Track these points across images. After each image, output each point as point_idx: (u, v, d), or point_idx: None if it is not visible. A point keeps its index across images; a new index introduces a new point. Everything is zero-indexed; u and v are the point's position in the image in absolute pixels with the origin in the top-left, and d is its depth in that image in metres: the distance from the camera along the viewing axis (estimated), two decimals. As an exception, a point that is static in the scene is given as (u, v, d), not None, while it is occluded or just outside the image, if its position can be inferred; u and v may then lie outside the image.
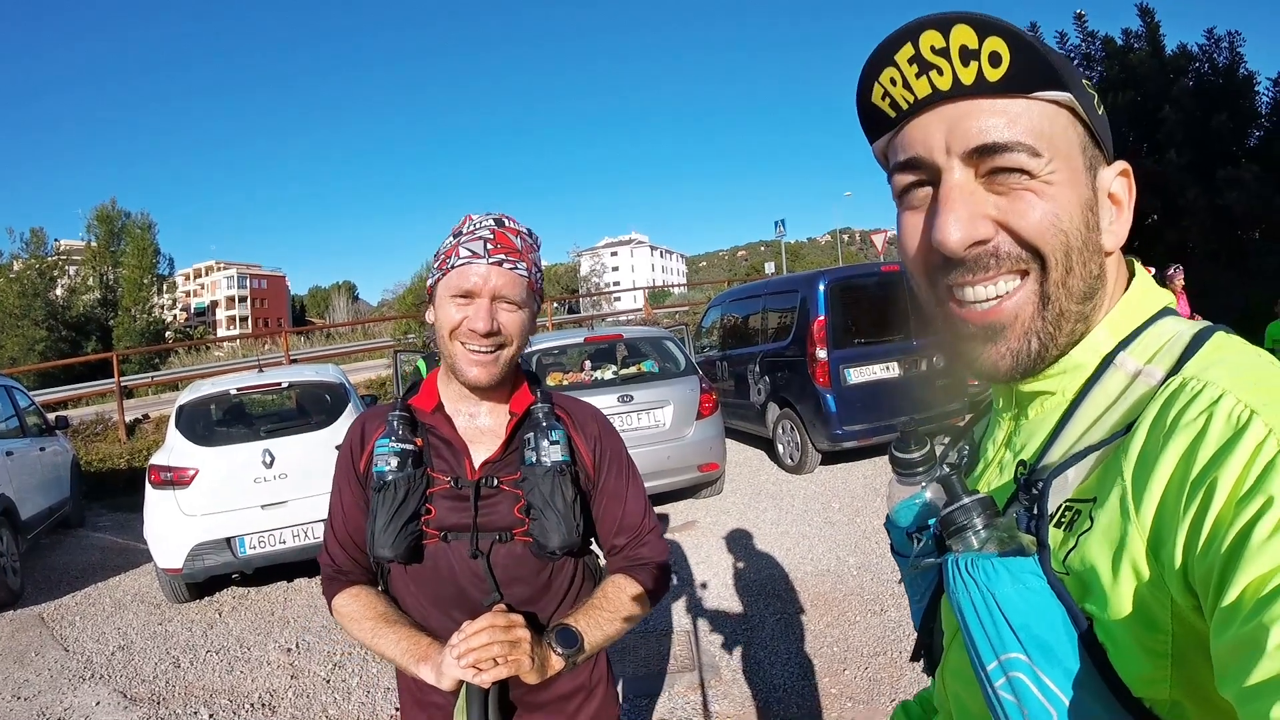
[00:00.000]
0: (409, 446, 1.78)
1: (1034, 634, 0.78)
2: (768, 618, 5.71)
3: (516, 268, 1.73)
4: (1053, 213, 0.83)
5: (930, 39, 0.83)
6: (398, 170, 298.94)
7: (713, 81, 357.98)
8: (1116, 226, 0.90)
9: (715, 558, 7.15)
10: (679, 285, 68.11)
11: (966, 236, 0.84)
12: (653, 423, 8.57)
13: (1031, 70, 0.81)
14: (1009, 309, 0.87)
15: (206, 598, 7.32)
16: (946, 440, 1.20)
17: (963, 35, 0.81)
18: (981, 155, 0.83)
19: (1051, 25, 22.18)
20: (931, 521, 1.03)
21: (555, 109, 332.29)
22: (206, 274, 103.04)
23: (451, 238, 1.76)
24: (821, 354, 9.65)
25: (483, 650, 1.53)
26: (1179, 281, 10.48)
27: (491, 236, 1.72)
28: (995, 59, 0.81)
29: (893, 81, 0.87)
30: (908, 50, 0.85)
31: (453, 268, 1.71)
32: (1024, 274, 0.85)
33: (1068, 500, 0.84)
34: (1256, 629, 0.60)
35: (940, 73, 0.83)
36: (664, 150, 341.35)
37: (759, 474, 10.50)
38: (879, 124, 0.93)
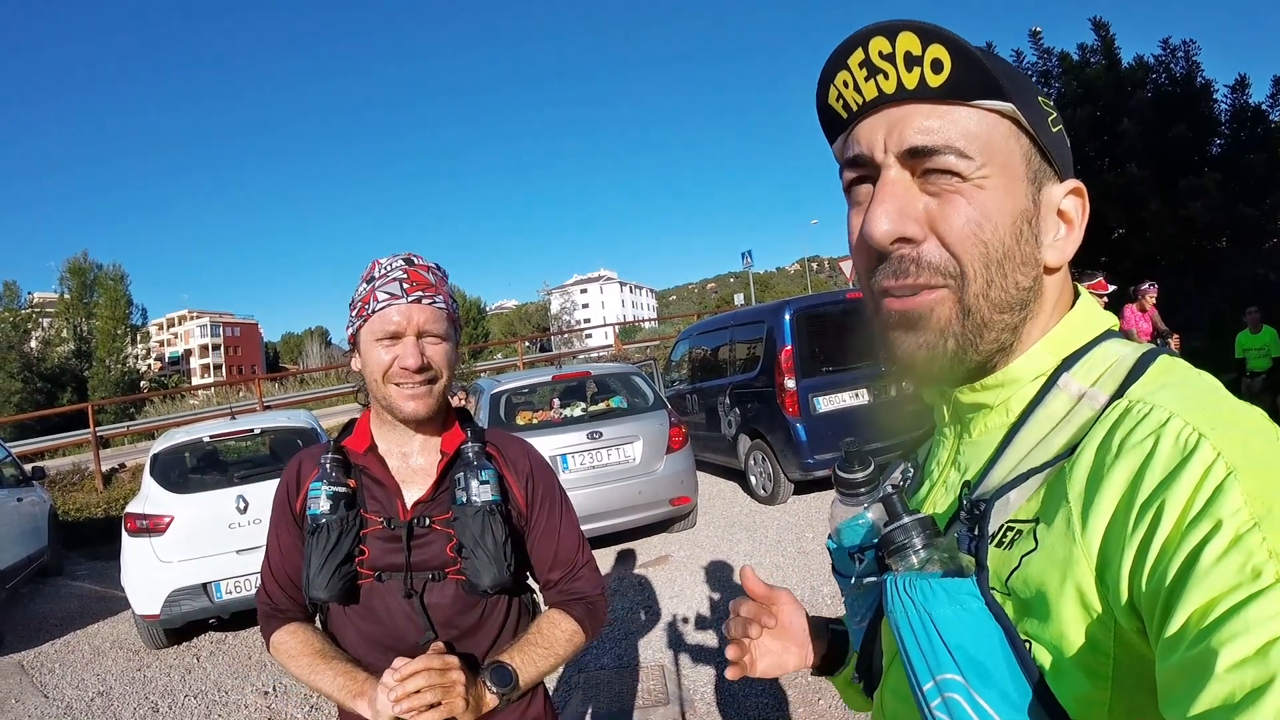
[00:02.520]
0: (341, 489, 1.80)
1: (970, 655, 0.78)
2: (742, 649, 5.72)
3: (435, 302, 1.77)
4: (976, 220, 0.84)
5: (878, 44, 0.85)
6: (367, 216, 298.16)
7: (677, 115, 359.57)
8: (1063, 243, 0.90)
9: (689, 591, 7.18)
10: (649, 320, 67.99)
11: (893, 230, 0.85)
12: (623, 458, 8.59)
13: (972, 79, 0.83)
14: (926, 301, 0.87)
15: (184, 643, 7.32)
16: (889, 461, 1.20)
17: (907, 42, 0.84)
18: (915, 156, 0.85)
19: (1008, 44, 21.93)
20: (874, 541, 1.03)
21: (523, 149, 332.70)
22: (180, 323, 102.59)
23: (364, 284, 1.79)
24: (790, 384, 9.68)
25: (417, 698, 1.55)
26: (1151, 298, 10.22)
27: (405, 276, 1.76)
28: (937, 65, 0.83)
29: (845, 84, 0.90)
30: (859, 55, 0.87)
31: (374, 312, 1.74)
32: (945, 285, 0.86)
33: (1009, 521, 0.85)
34: (1204, 653, 0.61)
35: (886, 77, 0.86)
36: (633, 185, 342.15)
37: (732, 506, 10.51)
38: (834, 125, 0.96)
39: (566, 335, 45.74)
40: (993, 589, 0.82)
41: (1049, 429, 0.86)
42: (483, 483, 1.82)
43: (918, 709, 0.83)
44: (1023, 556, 0.81)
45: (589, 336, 51.23)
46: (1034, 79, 13.54)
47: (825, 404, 9.84)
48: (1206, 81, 16.28)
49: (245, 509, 7.00)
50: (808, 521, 9.17)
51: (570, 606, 1.95)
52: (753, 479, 10.70)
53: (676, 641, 6.04)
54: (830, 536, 1.17)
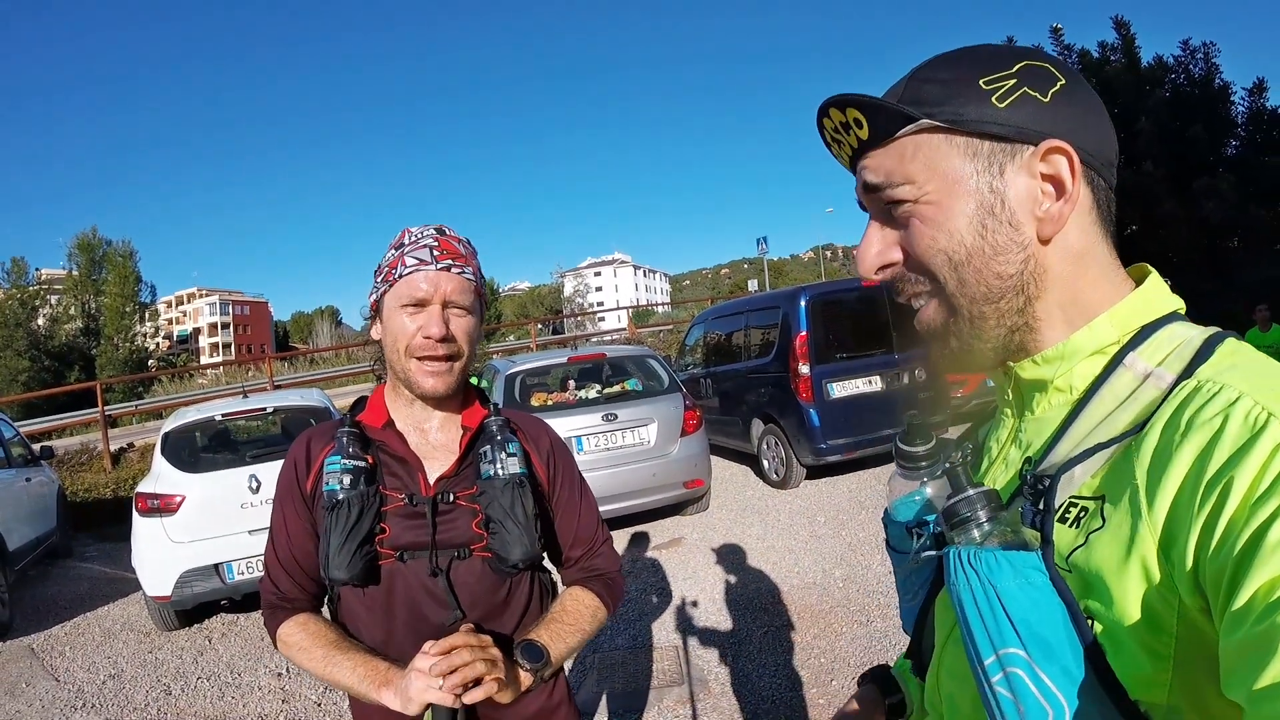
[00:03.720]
0: (360, 463, 1.73)
1: (1034, 630, 0.78)
2: (755, 631, 5.75)
3: (464, 272, 1.72)
4: (930, 235, 0.91)
5: (828, 122, 0.99)
6: (380, 194, 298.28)
7: (694, 99, 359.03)
8: (1055, 209, 0.88)
9: (702, 573, 7.17)
10: (663, 304, 68.13)
11: (872, 263, 0.98)
12: (637, 440, 8.60)
13: (884, 120, 0.92)
14: (925, 318, 0.97)
15: (196, 625, 7.31)
16: (951, 438, 1.19)
17: (836, 115, 0.96)
18: (871, 194, 0.97)
19: (1029, 40, 22.14)
20: (931, 518, 1.05)
21: (539, 130, 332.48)
22: (189, 301, 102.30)
23: (393, 250, 1.75)
24: (804, 369, 9.70)
25: (466, 670, 1.46)
26: None
27: (436, 244, 1.72)
28: (858, 123, 0.94)
29: (830, 146, 1.04)
30: (826, 132, 1.01)
31: (400, 277, 1.70)
32: (928, 291, 0.95)
33: (1073, 497, 0.85)
34: (1268, 630, 0.60)
35: (841, 144, 1.00)
36: (648, 169, 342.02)
37: (744, 490, 10.52)
38: None
39: (579, 318, 45.74)
40: (1056, 564, 0.82)
41: (1114, 406, 0.86)
42: (510, 455, 1.77)
43: (977, 685, 0.83)
44: (1090, 533, 0.81)
45: (602, 319, 51.30)
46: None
47: (839, 390, 9.87)
48: (1225, 83, 16.32)
49: (258, 489, 6.93)
50: (819, 506, 9.18)
51: (592, 583, 1.91)
52: (765, 463, 10.71)
53: (689, 623, 6.03)
54: (885, 511, 1.18)
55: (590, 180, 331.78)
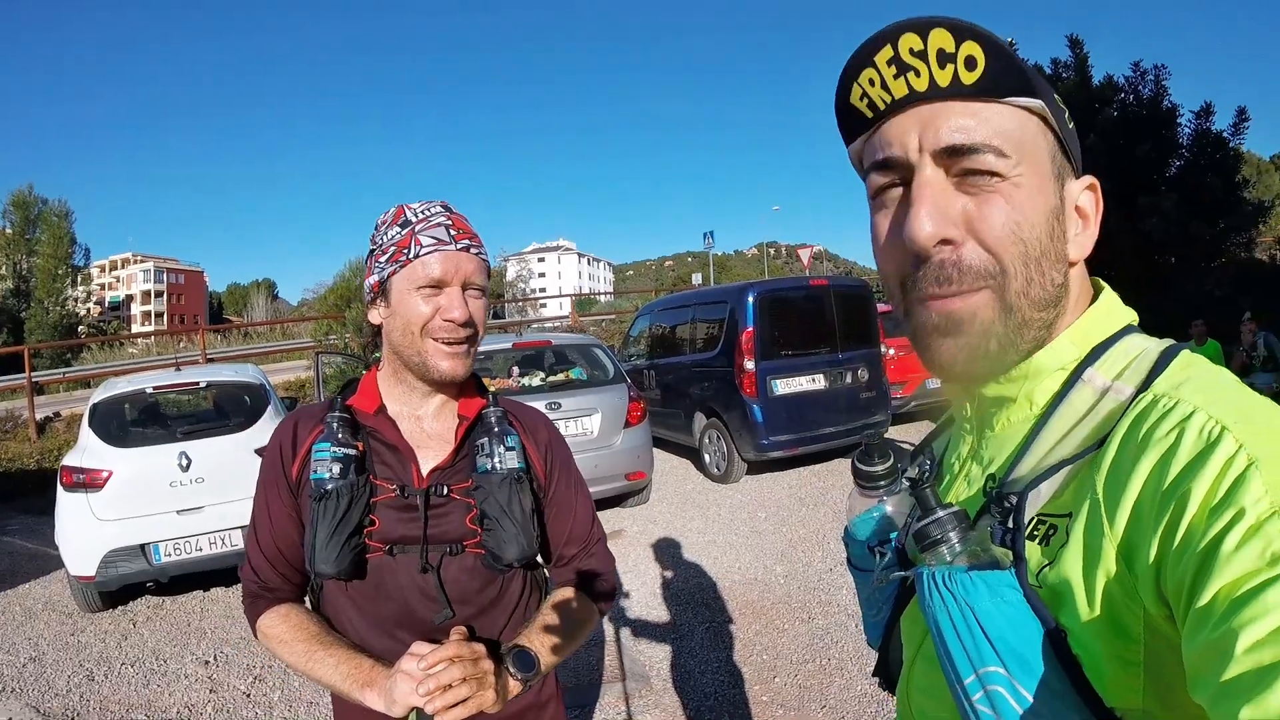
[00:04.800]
0: (351, 451, 1.64)
1: (1012, 647, 0.78)
2: (697, 626, 5.74)
3: (481, 252, 1.66)
4: (1015, 220, 0.84)
5: (909, 41, 0.84)
6: (321, 167, 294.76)
7: (647, 90, 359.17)
8: (1082, 238, 0.91)
9: (643, 567, 7.16)
10: (606, 293, 68.10)
11: (936, 231, 0.84)
12: (581, 430, 8.56)
13: (1005, 76, 0.83)
14: (970, 304, 0.86)
15: (120, 607, 7.08)
16: (907, 454, 1.19)
17: (940, 39, 0.83)
18: (952, 155, 0.84)
19: None
20: (893, 535, 1.05)
21: (483, 110, 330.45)
22: (122, 266, 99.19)
23: (398, 228, 1.64)
24: (749, 365, 9.77)
25: (454, 691, 1.43)
26: None
27: (450, 222, 1.64)
28: (971, 63, 0.82)
29: (871, 82, 0.88)
30: (887, 52, 0.86)
31: (415, 257, 1.60)
32: (987, 286, 0.86)
33: (1040, 514, 0.85)
34: (1226, 633, 0.62)
35: (917, 74, 0.84)
36: (597, 157, 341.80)
37: (685, 483, 10.54)
38: (856, 125, 0.94)
39: (521, 303, 45.49)
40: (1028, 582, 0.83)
41: (1075, 421, 0.86)
42: (509, 449, 1.71)
43: (956, 703, 0.83)
44: (1057, 549, 0.82)
45: (544, 306, 51.08)
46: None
47: (782, 387, 9.97)
48: (1173, 105, 16.71)
49: (188, 466, 6.72)
50: (760, 502, 9.22)
51: (585, 584, 1.85)
52: (707, 457, 10.75)
53: (631, 617, 6.01)
54: (845, 529, 1.16)
55: (537, 164, 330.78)
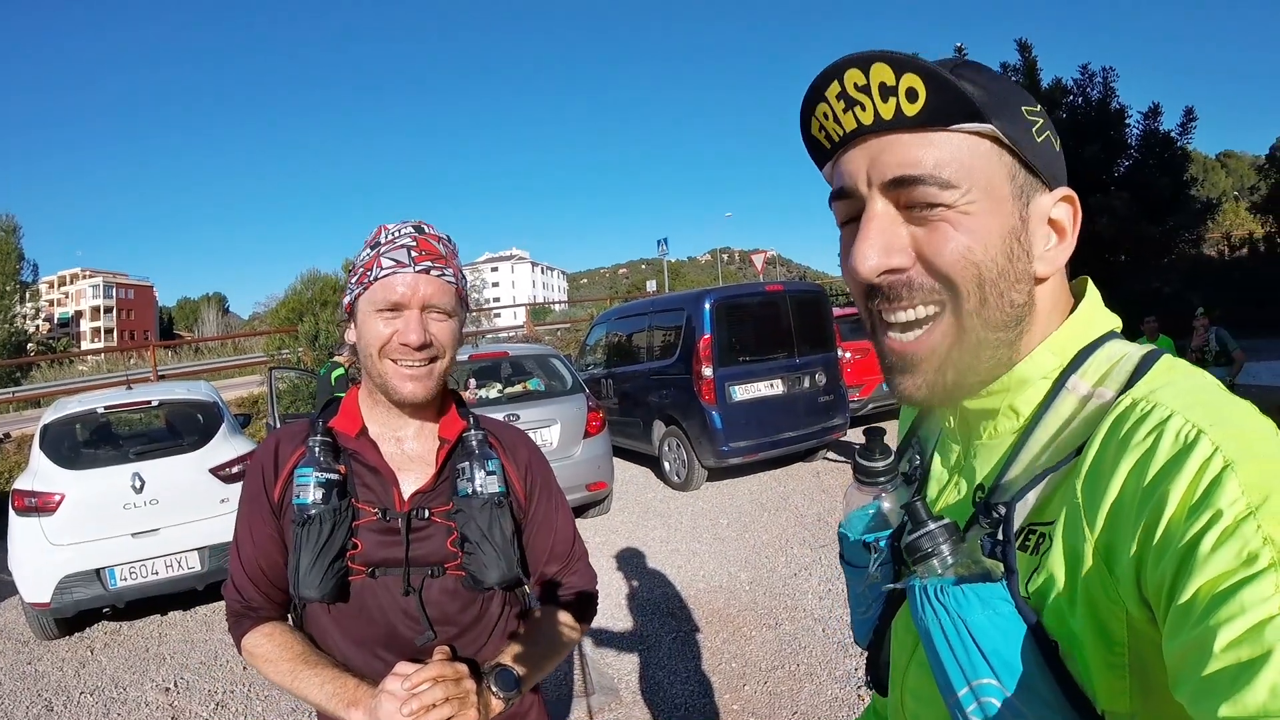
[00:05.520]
0: (333, 476, 1.64)
1: (1005, 659, 0.79)
2: (664, 636, 5.73)
3: (444, 274, 1.64)
4: (966, 245, 0.85)
5: (853, 77, 0.86)
6: (271, 180, 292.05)
7: (596, 101, 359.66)
8: (1054, 253, 0.91)
9: (607, 578, 7.12)
10: (560, 302, 68.08)
11: (878, 265, 0.88)
12: (540, 442, 8.43)
13: (948, 104, 0.84)
14: (925, 345, 0.90)
15: (76, 634, 6.90)
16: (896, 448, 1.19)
17: (881, 73, 0.85)
18: (898, 187, 0.87)
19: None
20: (885, 532, 1.06)
21: (434, 120, 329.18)
22: (71, 282, 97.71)
23: (369, 250, 1.66)
24: (707, 371, 9.76)
25: (437, 711, 1.43)
26: None
27: (414, 244, 1.63)
28: (912, 94, 0.84)
29: (825, 116, 0.91)
30: (835, 87, 0.88)
31: (376, 279, 1.60)
32: (940, 304, 0.89)
33: (1028, 524, 0.87)
34: (1205, 631, 0.63)
35: (863, 108, 0.87)
36: (549, 166, 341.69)
37: (646, 492, 10.52)
38: (819, 155, 0.98)
39: (475, 313, 45.29)
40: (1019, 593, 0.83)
41: (1060, 430, 0.87)
42: (489, 473, 1.71)
43: (948, 712, 0.84)
44: (1042, 556, 0.83)
45: (498, 316, 50.92)
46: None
47: (741, 393, 9.97)
48: (1121, 107, 17.06)
49: (141, 488, 6.58)
50: (721, 509, 9.23)
51: (567, 602, 1.85)
52: (666, 465, 10.75)
53: (597, 629, 5.96)
54: (841, 524, 1.16)
55: (490, 173, 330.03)
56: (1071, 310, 0.95)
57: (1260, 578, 0.63)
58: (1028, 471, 0.88)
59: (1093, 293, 0.97)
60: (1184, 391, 0.79)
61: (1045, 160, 0.91)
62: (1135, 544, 0.72)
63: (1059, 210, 0.92)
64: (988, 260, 0.86)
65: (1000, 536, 0.86)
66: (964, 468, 1.02)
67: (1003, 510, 0.87)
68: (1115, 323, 0.96)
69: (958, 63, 0.88)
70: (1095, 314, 0.95)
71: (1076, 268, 0.94)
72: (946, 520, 0.88)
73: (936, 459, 1.10)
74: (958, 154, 0.85)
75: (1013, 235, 0.88)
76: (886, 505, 1.08)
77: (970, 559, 0.86)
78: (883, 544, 1.05)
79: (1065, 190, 0.92)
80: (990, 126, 0.85)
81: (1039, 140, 0.90)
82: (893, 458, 1.09)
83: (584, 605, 1.88)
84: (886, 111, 0.86)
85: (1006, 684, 0.78)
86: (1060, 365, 0.91)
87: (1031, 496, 0.86)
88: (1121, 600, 0.75)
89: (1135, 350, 0.89)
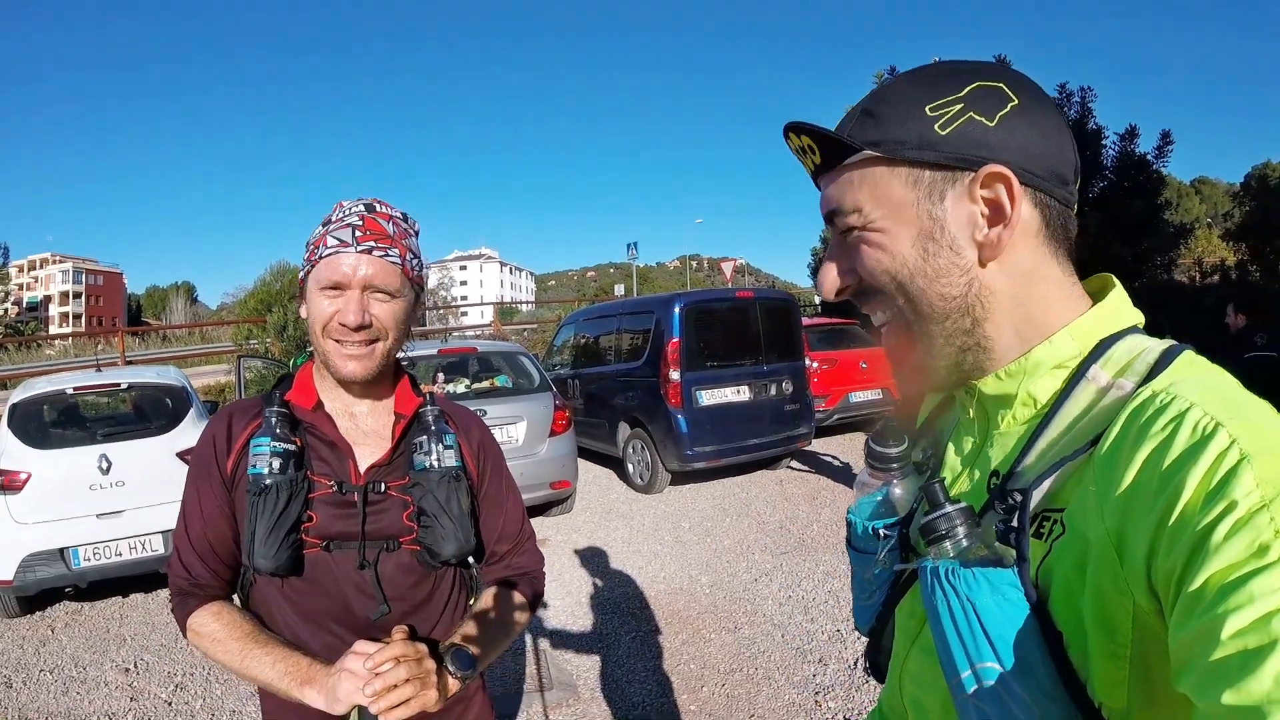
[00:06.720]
0: (290, 446, 1.64)
1: (1010, 645, 0.81)
2: (623, 636, 5.75)
3: (388, 255, 1.63)
4: (875, 257, 0.96)
5: (790, 140, 1.03)
6: (243, 171, 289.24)
7: (569, 104, 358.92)
8: (993, 235, 0.91)
9: (568, 576, 7.14)
10: (528, 302, 67.91)
11: (830, 287, 1.04)
12: (506, 439, 8.49)
13: (833, 150, 0.97)
14: (889, 340, 1.03)
15: (38, 613, 6.84)
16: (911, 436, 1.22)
17: (794, 140, 1.02)
18: (830, 221, 1.02)
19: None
20: (892, 519, 1.10)
21: (406, 115, 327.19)
22: (41, 266, 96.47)
23: (320, 227, 1.65)
24: (675, 375, 9.77)
25: (399, 691, 1.42)
26: None
27: (360, 223, 1.62)
28: (811, 150, 1.00)
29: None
30: (791, 144, 1.04)
31: (320, 258, 1.61)
32: (888, 307, 1.00)
33: (1042, 510, 0.88)
34: (1210, 623, 0.65)
35: (804, 164, 1.05)
36: (520, 166, 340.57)
37: (609, 493, 10.52)
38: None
39: (443, 311, 45.13)
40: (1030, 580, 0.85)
41: (1078, 419, 0.89)
42: (447, 448, 1.74)
43: (952, 697, 0.87)
44: (1053, 543, 0.85)
45: (465, 314, 50.74)
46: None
47: (707, 398, 9.98)
48: (1098, 127, 17.06)
49: (108, 469, 6.56)
50: (684, 512, 9.24)
51: (517, 581, 1.87)
52: (630, 467, 10.73)
53: (556, 626, 5.99)
54: (850, 509, 1.20)
55: (460, 171, 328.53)
56: (1094, 301, 0.97)
57: (1271, 569, 0.64)
58: (1044, 459, 0.90)
59: (1119, 288, 0.99)
60: (1204, 386, 0.80)
61: (959, 146, 0.91)
62: (1148, 532, 0.74)
63: (988, 190, 0.91)
64: (898, 265, 0.95)
65: (1015, 523, 0.87)
66: (979, 458, 1.04)
67: (1018, 497, 0.88)
68: (1139, 319, 0.97)
69: (872, 94, 0.99)
70: (1122, 307, 0.97)
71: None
72: (963, 504, 0.92)
73: (950, 449, 1.11)
74: (851, 184, 0.97)
75: (923, 237, 0.94)
76: (897, 492, 1.12)
77: (984, 544, 0.89)
78: (893, 531, 1.10)
79: (990, 168, 0.90)
80: (867, 151, 0.94)
81: (945, 131, 0.91)
82: (906, 445, 1.14)
83: (534, 585, 1.90)
84: (809, 165, 1.03)
85: (1008, 669, 0.81)
86: (1080, 353, 0.92)
87: (1047, 484, 0.87)
88: (1130, 590, 0.76)
89: (1157, 344, 0.90)
